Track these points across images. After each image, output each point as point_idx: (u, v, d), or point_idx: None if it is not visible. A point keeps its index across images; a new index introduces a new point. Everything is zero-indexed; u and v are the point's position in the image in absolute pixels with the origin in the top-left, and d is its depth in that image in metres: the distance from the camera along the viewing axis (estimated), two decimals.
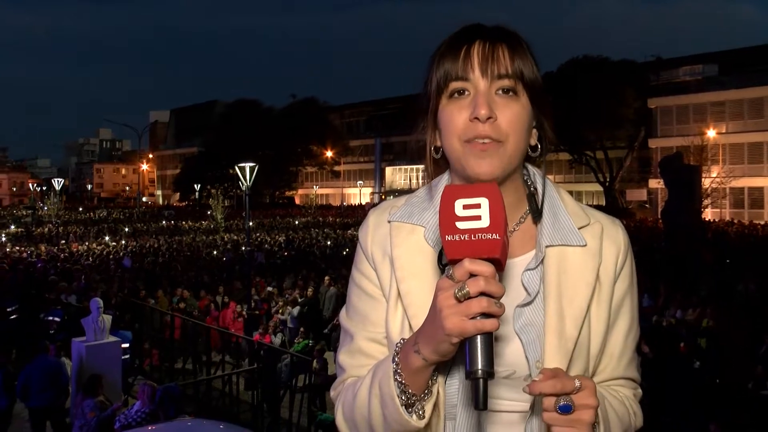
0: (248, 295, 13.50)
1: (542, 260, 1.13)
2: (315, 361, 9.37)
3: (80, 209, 62.96)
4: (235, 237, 31.10)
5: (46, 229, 37.78)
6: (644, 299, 12.14)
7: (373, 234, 1.21)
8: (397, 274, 1.14)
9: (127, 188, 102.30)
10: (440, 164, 1.21)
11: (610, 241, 1.17)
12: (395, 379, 1.03)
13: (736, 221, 35.41)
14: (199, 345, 11.81)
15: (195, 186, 61.07)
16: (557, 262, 1.13)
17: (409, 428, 1.04)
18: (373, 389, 1.07)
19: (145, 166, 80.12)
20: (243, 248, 21.69)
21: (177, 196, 75.49)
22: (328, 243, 27.74)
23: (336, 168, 67.02)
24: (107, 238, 31.57)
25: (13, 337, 11.42)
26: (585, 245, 1.14)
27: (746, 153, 39.28)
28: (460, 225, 0.94)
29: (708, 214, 34.62)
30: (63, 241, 29.93)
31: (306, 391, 9.11)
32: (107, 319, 8.77)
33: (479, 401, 0.91)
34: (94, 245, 28.03)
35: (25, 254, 24.09)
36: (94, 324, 8.52)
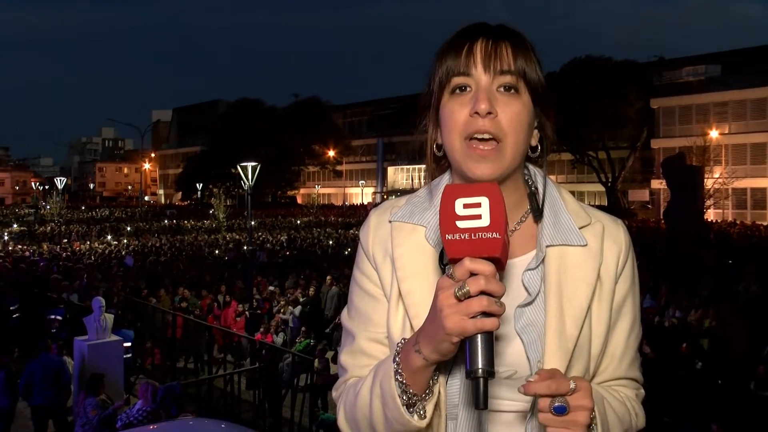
0: (250, 295, 13.51)
1: (543, 260, 1.13)
2: (317, 360, 9.38)
3: (82, 208, 63.04)
4: (237, 236, 31.16)
5: (49, 228, 37.83)
6: (646, 300, 12.12)
7: (374, 234, 1.21)
8: (398, 273, 1.14)
9: (130, 187, 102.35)
10: (442, 163, 1.21)
11: (611, 240, 1.17)
12: (396, 379, 1.03)
13: (738, 222, 35.38)
14: (201, 344, 11.82)
15: (197, 185, 61.14)
16: (558, 261, 1.12)
17: (411, 428, 1.04)
18: (375, 389, 1.07)
19: (147, 165, 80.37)
20: (245, 247, 21.70)
21: (179, 195, 75.59)
22: (330, 242, 27.76)
23: (338, 168, 67.05)
24: (109, 237, 31.63)
25: (16, 336, 11.46)
26: (586, 245, 1.14)
27: (749, 154, 39.21)
28: (461, 224, 0.94)
29: (710, 215, 34.55)
30: (65, 240, 29.97)
31: (307, 391, 9.12)
32: (109, 318, 8.79)
33: (480, 400, 0.91)
34: (96, 244, 28.10)
35: (27, 253, 24.14)
36: (96, 323, 8.54)
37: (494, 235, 0.92)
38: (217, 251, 24.54)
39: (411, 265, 1.14)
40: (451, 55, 1.11)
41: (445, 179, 1.20)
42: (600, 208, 1.26)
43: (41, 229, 37.76)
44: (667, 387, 7.44)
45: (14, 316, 12.24)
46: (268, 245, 26.73)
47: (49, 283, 14.64)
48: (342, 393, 1.19)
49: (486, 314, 0.91)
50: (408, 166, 60.18)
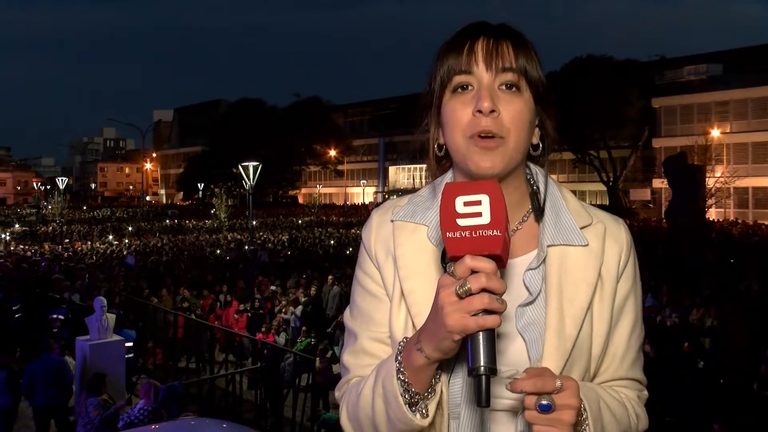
0: (251, 295, 13.51)
1: (544, 260, 1.13)
2: (318, 360, 9.38)
3: (84, 208, 63.10)
4: (239, 236, 31.18)
5: (50, 228, 37.85)
6: (647, 299, 12.11)
7: (376, 233, 1.21)
8: (400, 273, 1.14)
9: (131, 187, 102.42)
10: (443, 163, 1.21)
11: (612, 240, 1.17)
12: (398, 378, 1.03)
13: (740, 221, 35.32)
14: (203, 344, 11.83)
15: (198, 185, 61.21)
16: (559, 261, 1.12)
17: (413, 427, 1.04)
18: (377, 388, 1.07)
19: (148, 165, 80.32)
20: (246, 247, 21.70)
21: (180, 195, 75.63)
22: (332, 242, 27.76)
23: (339, 167, 67.02)
24: (111, 236, 31.65)
25: (17, 336, 11.46)
26: (587, 245, 1.14)
27: (750, 153, 39.17)
28: (461, 222, 0.94)
29: (712, 214, 34.52)
30: (67, 240, 29.97)
31: (309, 391, 9.12)
32: (111, 317, 8.79)
33: (482, 398, 0.91)
34: (98, 244, 28.13)
35: (29, 253, 24.19)
36: (98, 323, 8.54)
37: (495, 232, 0.92)
38: (218, 251, 24.55)
39: (413, 264, 1.14)
40: (452, 54, 1.11)
41: (448, 178, 1.20)
42: (601, 207, 1.26)
43: (43, 229, 37.81)
44: (669, 386, 7.43)
45: (16, 316, 12.25)
46: (270, 245, 26.73)
47: (50, 283, 14.66)
48: (344, 393, 1.19)
49: (487, 312, 0.91)
50: (409, 166, 60.20)
